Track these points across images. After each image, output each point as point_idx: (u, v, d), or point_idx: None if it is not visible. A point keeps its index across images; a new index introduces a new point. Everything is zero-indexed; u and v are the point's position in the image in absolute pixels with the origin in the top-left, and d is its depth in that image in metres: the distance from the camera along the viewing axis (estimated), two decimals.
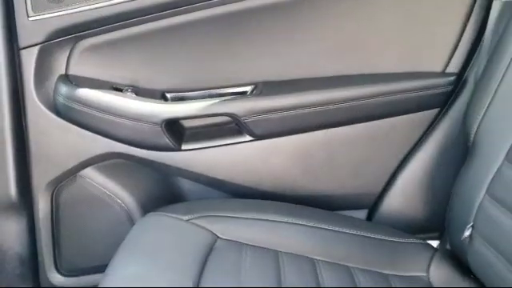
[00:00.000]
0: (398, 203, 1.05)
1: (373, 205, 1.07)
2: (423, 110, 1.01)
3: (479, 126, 0.83)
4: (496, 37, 0.90)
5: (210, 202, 0.95)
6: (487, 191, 0.77)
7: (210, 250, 0.79)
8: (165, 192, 1.05)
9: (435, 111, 1.01)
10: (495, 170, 0.76)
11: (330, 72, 1.01)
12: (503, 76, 0.81)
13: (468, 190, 0.80)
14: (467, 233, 0.78)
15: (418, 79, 1.00)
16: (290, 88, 1.00)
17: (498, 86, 0.81)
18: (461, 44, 0.99)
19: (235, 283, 0.73)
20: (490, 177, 0.77)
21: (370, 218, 1.08)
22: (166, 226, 0.84)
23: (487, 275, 0.75)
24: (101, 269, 0.85)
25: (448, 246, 0.88)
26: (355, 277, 0.79)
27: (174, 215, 0.86)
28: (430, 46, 1.00)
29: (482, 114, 0.83)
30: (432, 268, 0.84)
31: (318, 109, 0.98)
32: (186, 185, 1.05)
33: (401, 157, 1.03)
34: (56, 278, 1.07)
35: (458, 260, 0.83)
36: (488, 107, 0.82)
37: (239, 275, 0.75)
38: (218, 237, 0.83)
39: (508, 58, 0.80)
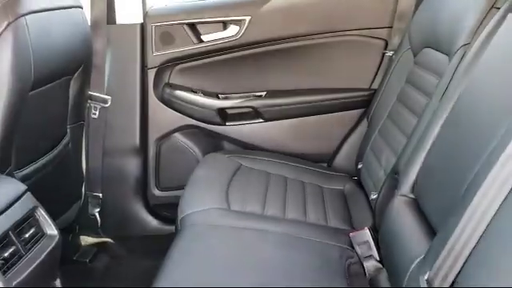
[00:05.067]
0: (343, 158, 1.88)
1: (329, 159, 1.91)
2: (356, 109, 1.86)
3: (372, 113, 1.68)
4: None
5: (239, 151, 1.83)
6: (370, 146, 1.60)
7: (237, 170, 1.65)
8: (215, 147, 1.93)
9: (363, 110, 1.85)
10: (374, 136, 1.60)
11: (306, 86, 1.88)
12: (384, 88, 1.65)
13: (364, 146, 1.64)
14: (360, 165, 1.62)
15: (354, 92, 1.85)
16: (284, 94, 1.88)
17: (382, 93, 1.65)
18: (378, 73, 1.83)
19: (246, 183, 1.57)
20: (372, 139, 1.60)
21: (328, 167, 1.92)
22: (217, 158, 1.71)
23: (366, 184, 1.57)
24: (181, 187, 1.68)
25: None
26: (305, 186, 1.63)
27: (221, 154, 1.74)
28: (361, 73, 1.84)
29: (374, 107, 1.68)
30: (346, 185, 1.68)
31: (298, 105, 1.86)
32: (226, 144, 1.95)
33: (344, 133, 1.88)
34: (156, 191, 1.97)
35: (359, 181, 1.66)
36: (377, 104, 1.67)
37: (248, 181, 1.59)
38: (242, 165, 1.69)
39: (386, 80, 1.65)
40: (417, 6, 1.61)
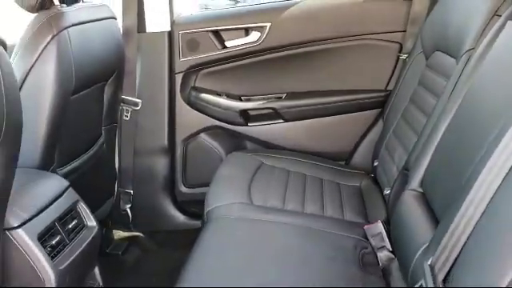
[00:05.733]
0: (360, 157, 1.97)
1: (347, 158, 2.00)
2: (373, 109, 1.94)
3: (387, 113, 1.76)
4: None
5: (261, 150, 1.94)
6: (385, 144, 1.69)
7: (258, 168, 1.76)
8: (238, 146, 2.04)
9: (379, 110, 1.93)
10: (389, 135, 1.68)
11: (324, 88, 1.97)
12: (398, 89, 1.73)
13: (379, 144, 1.73)
14: (376, 163, 1.71)
15: (370, 93, 1.94)
16: (303, 96, 1.97)
17: (396, 94, 1.74)
18: (393, 76, 1.91)
19: (267, 179, 1.68)
20: (387, 138, 1.69)
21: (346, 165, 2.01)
22: (240, 157, 1.82)
23: (381, 181, 1.66)
24: (207, 184, 1.77)
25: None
26: (323, 183, 1.72)
27: (243, 153, 1.85)
28: (377, 75, 1.93)
29: (389, 108, 1.76)
30: (363, 182, 1.77)
31: (317, 106, 1.96)
32: (248, 143, 2.05)
33: (361, 132, 1.97)
34: (183, 188, 2.09)
35: (375, 178, 1.75)
36: (391, 105, 1.75)
37: (270, 178, 1.70)
38: (263, 163, 1.79)
39: (400, 81, 1.73)
40: (429, 11, 1.69)
